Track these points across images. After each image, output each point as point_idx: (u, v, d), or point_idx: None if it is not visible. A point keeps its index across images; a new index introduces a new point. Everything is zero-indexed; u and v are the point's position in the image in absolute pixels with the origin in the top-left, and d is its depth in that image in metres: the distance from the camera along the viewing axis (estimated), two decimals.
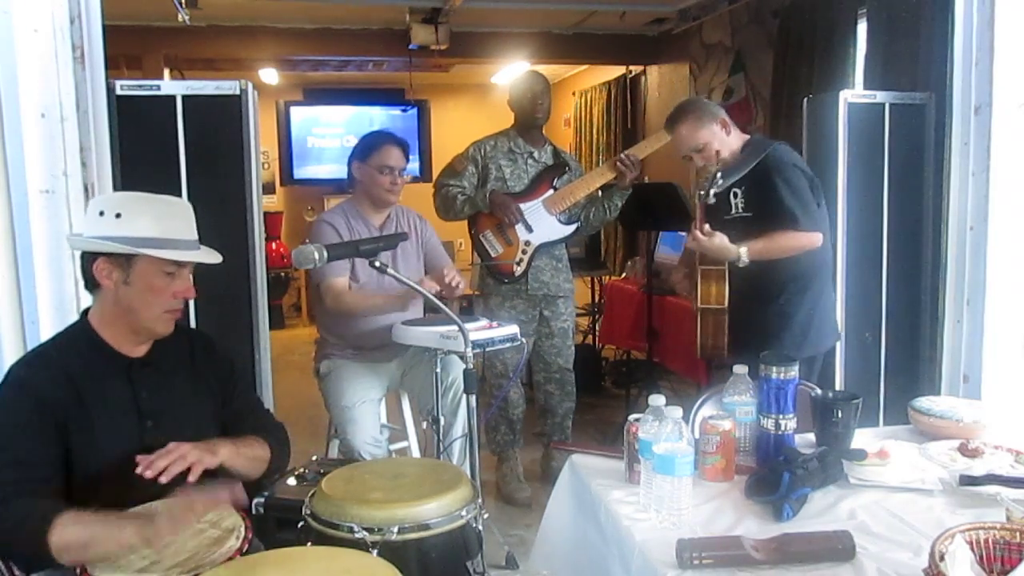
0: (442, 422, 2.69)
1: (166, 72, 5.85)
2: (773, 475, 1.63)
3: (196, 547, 1.47)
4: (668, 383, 4.59)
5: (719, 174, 2.46)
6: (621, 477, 1.78)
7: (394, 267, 2.56)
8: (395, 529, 1.55)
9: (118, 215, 1.61)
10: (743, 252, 2.46)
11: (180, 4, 4.40)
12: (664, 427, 1.59)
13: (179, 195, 2.60)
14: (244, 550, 1.48)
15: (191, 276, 1.72)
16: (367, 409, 2.81)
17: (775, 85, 4.41)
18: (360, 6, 5.41)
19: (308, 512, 1.64)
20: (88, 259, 1.64)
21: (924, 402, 2.11)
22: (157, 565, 1.41)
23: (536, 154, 3.53)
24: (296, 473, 1.95)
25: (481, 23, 5.78)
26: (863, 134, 3.01)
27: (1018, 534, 1.25)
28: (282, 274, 7.69)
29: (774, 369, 1.81)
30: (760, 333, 2.56)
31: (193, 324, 2.54)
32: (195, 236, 1.71)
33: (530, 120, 3.51)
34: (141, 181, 2.48)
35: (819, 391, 2.05)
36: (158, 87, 2.62)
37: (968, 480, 1.68)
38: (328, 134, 7.92)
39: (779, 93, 4.37)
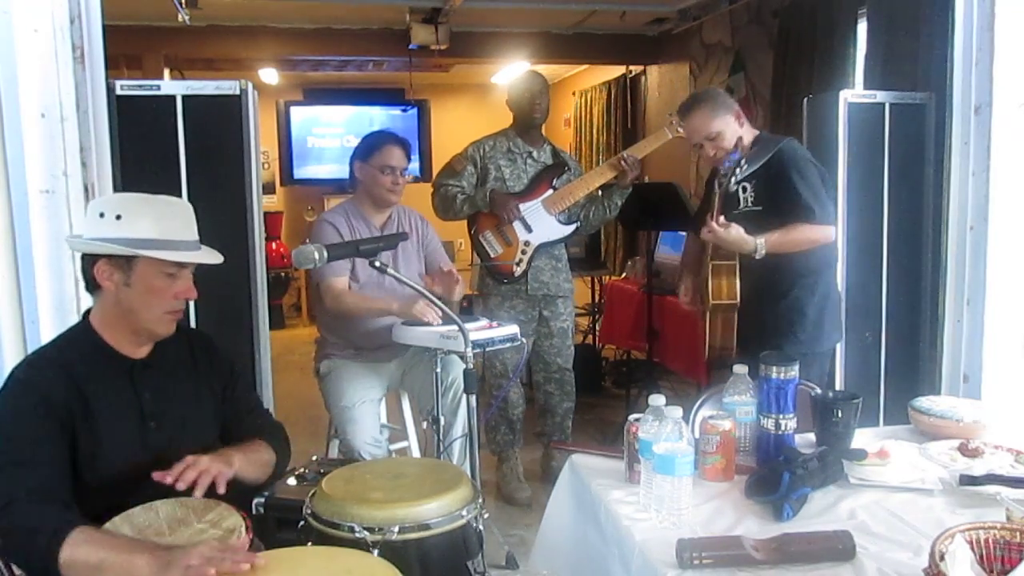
0: (442, 422, 2.69)
1: (166, 72, 5.85)
2: (773, 475, 1.63)
3: None
4: (668, 383, 4.60)
5: (743, 160, 2.44)
6: (621, 477, 1.78)
7: (394, 267, 2.56)
8: (395, 529, 1.55)
9: (118, 216, 1.61)
10: (760, 244, 2.44)
11: (180, 4, 4.40)
12: (664, 427, 1.59)
13: (179, 195, 2.60)
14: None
15: (192, 276, 1.72)
16: (367, 409, 2.81)
17: (775, 85, 4.41)
18: (360, 6, 5.41)
19: (308, 512, 1.64)
20: (89, 261, 1.64)
21: (924, 402, 2.11)
22: None
23: (535, 154, 3.53)
24: (296, 473, 1.95)
25: (481, 23, 5.78)
26: (863, 134, 3.01)
27: (1018, 534, 1.25)
28: (282, 274, 7.68)
29: (774, 369, 1.81)
30: (773, 330, 2.56)
31: (193, 324, 2.54)
32: (196, 236, 1.71)
33: (528, 120, 3.51)
34: (141, 181, 2.49)
35: (819, 391, 2.05)
36: (158, 87, 2.62)
37: (968, 480, 1.68)
38: (328, 134, 7.92)
39: (779, 93, 4.37)
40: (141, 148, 2.57)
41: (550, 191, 3.46)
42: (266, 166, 7.88)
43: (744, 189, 2.60)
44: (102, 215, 1.62)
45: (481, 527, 1.72)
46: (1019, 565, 1.20)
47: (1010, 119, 2.63)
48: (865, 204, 3.02)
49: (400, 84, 7.61)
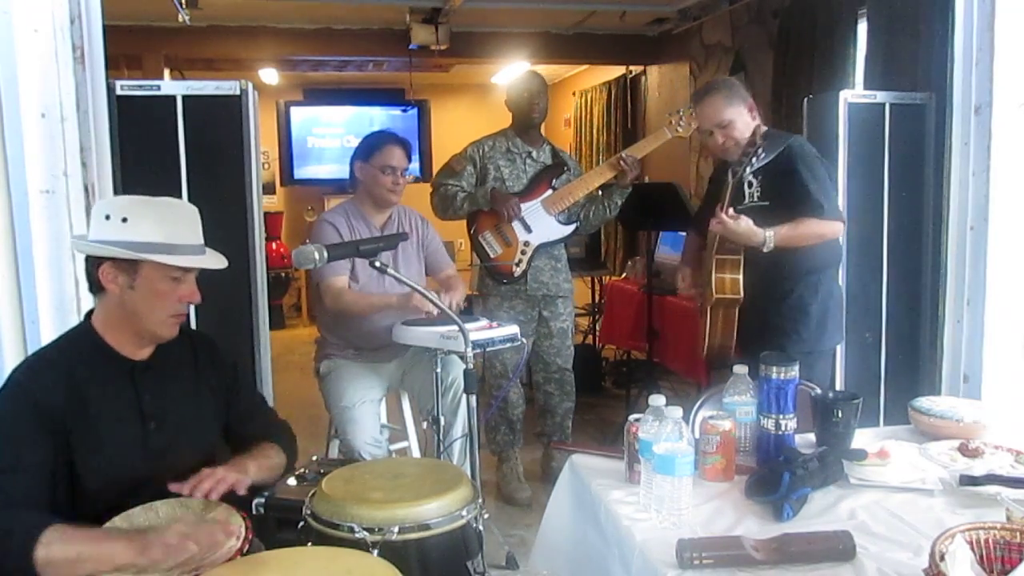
0: (442, 422, 2.69)
1: (166, 72, 5.85)
2: (773, 475, 1.63)
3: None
4: (668, 383, 4.59)
5: (761, 150, 2.42)
6: (621, 477, 1.78)
7: (394, 267, 2.56)
8: (395, 529, 1.55)
9: (124, 219, 1.61)
10: (770, 236, 2.43)
11: (180, 4, 4.40)
12: (664, 427, 1.59)
13: (179, 195, 2.60)
14: (244, 550, 1.48)
15: (196, 280, 1.72)
16: (367, 409, 2.81)
17: (775, 85, 4.41)
18: (360, 6, 5.41)
19: (308, 512, 1.64)
20: (93, 263, 1.64)
21: (924, 402, 2.11)
22: (157, 565, 1.41)
23: (534, 154, 3.53)
24: (296, 473, 1.95)
25: (481, 23, 5.78)
26: (863, 134, 3.01)
27: (1018, 534, 1.25)
28: (282, 274, 7.68)
29: (774, 369, 1.81)
30: (776, 329, 2.55)
31: (193, 324, 2.54)
32: (201, 240, 1.71)
33: (527, 120, 3.51)
34: (141, 181, 2.49)
35: (819, 391, 2.05)
36: (158, 87, 2.63)
37: (968, 480, 1.68)
38: (328, 134, 7.92)
39: (779, 93, 4.36)
40: (141, 148, 2.57)
41: (549, 191, 3.46)
42: (266, 166, 7.88)
43: (750, 184, 2.58)
44: (108, 217, 1.62)
45: (481, 527, 1.72)
46: (1019, 565, 1.20)
47: (1010, 119, 2.63)
48: (865, 204, 3.02)
49: (400, 84, 7.61)
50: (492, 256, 3.44)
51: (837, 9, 3.91)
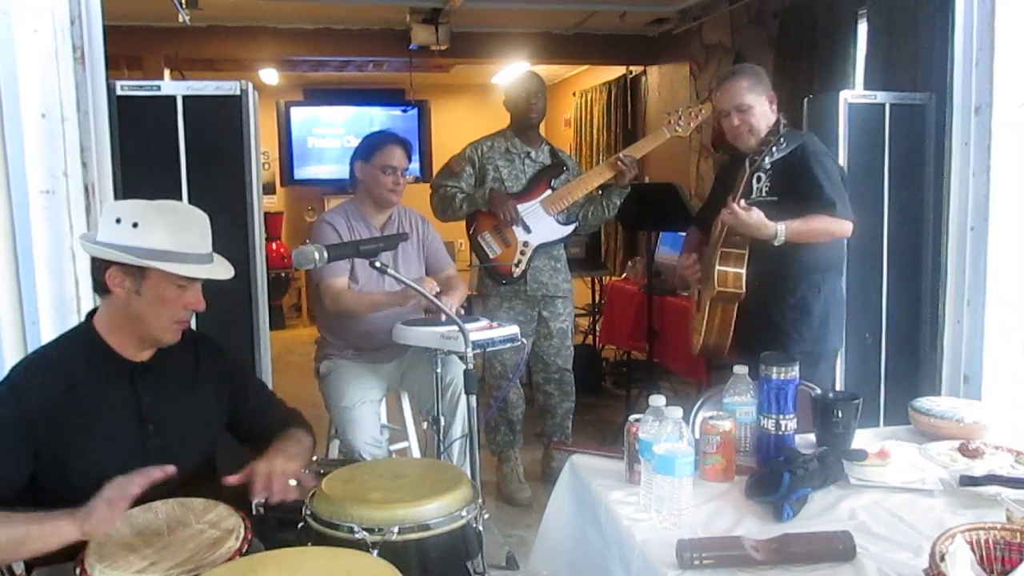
0: (442, 422, 2.69)
1: (166, 72, 5.85)
2: (773, 475, 1.63)
3: (196, 547, 1.46)
4: (668, 383, 4.60)
5: (782, 138, 2.40)
6: (621, 477, 1.78)
7: (395, 268, 2.56)
8: (395, 529, 1.55)
9: (135, 224, 1.61)
10: (781, 230, 2.41)
11: (180, 4, 4.40)
12: (664, 427, 1.59)
13: (179, 196, 2.61)
14: (244, 550, 1.48)
15: (201, 288, 1.72)
16: (367, 409, 2.81)
17: (775, 85, 4.35)
18: (360, 6, 5.41)
19: (308, 512, 1.64)
20: (100, 265, 1.64)
21: (924, 402, 2.10)
22: (156, 566, 1.41)
23: (533, 154, 3.53)
24: None
25: (481, 23, 5.78)
26: (863, 134, 3.02)
27: (1018, 534, 1.25)
28: (282, 274, 7.69)
29: (774, 369, 1.81)
30: (778, 329, 2.54)
31: (193, 325, 2.54)
32: (209, 248, 1.71)
33: (525, 120, 3.51)
34: (141, 181, 2.50)
35: (819, 391, 2.05)
36: (158, 87, 2.63)
37: (968, 480, 1.68)
38: (328, 134, 7.92)
39: (779, 93, 4.33)
40: (141, 148, 2.57)
41: (548, 191, 3.46)
42: (266, 166, 7.88)
43: (759, 179, 2.57)
44: (119, 221, 1.62)
45: (481, 527, 1.72)
46: (1019, 566, 1.20)
47: (1010, 119, 2.63)
48: (865, 204, 3.01)
49: (400, 84, 7.61)
50: (491, 257, 3.44)
51: (837, 9, 3.92)
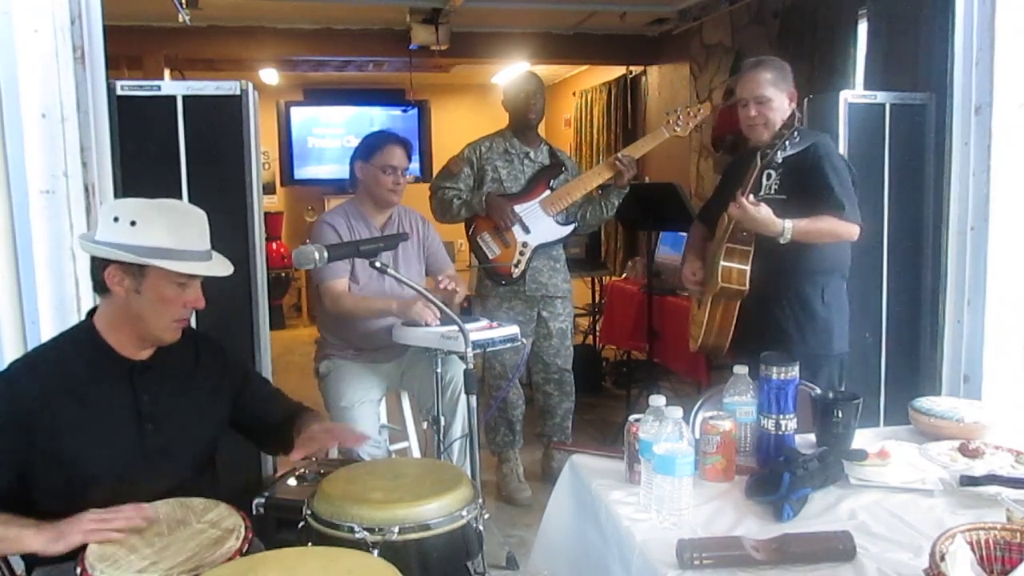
0: (442, 422, 2.69)
1: (166, 72, 5.85)
2: (773, 475, 1.63)
3: (196, 547, 1.47)
4: (668, 383, 4.59)
5: (796, 133, 2.39)
6: (621, 477, 1.78)
7: (395, 268, 2.56)
8: (396, 529, 1.55)
9: (133, 223, 1.61)
10: (788, 227, 2.39)
11: (180, 4, 4.40)
12: (664, 427, 1.59)
13: (179, 195, 2.60)
14: (244, 550, 1.48)
15: (200, 286, 1.72)
16: (367, 409, 2.81)
17: None
18: (360, 6, 5.41)
19: (308, 512, 1.64)
20: (99, 264, 1.64)
21: (925, 402, 2.10)
22: (157, 565, 1.41)
23: (532, 154, 3.53)
24: (296, 473, 1.95)
25: (481, 23, 5.78)
26: (863, 134, 3.01)
27: (1018, 534, 1.25)
28: (282, 274, 7.69)
29: (774, 369, 1.81)
30: (780, 329, 2.52)
31: (193, 324, 2.54)
32: (208, 246, 1.71)
33: (524, 120, 3.51)
34: (141, 181, 2.50)
35: (819, 391, 2.05)
36: (158, 87, 2.63)
37: (968, 480, 1.68)
38: (328, 134, 7.92)
39: None
40: (141, 148, 2.57)
41: (547, 192, 3.46)
42: (266, 166, 7.88)
43: (768, 176, 2.55)
44: (117, 219, 1.62)
45: (481, 527, 1.72)
46: (1019, 566, 1.20)
47: (1010, 119, 2.63)
48: (865, 204, 2.98)
49: (400, 84, 7.61)
50: (491, 257, 3.44)
51: (837, 9, 3.92)
